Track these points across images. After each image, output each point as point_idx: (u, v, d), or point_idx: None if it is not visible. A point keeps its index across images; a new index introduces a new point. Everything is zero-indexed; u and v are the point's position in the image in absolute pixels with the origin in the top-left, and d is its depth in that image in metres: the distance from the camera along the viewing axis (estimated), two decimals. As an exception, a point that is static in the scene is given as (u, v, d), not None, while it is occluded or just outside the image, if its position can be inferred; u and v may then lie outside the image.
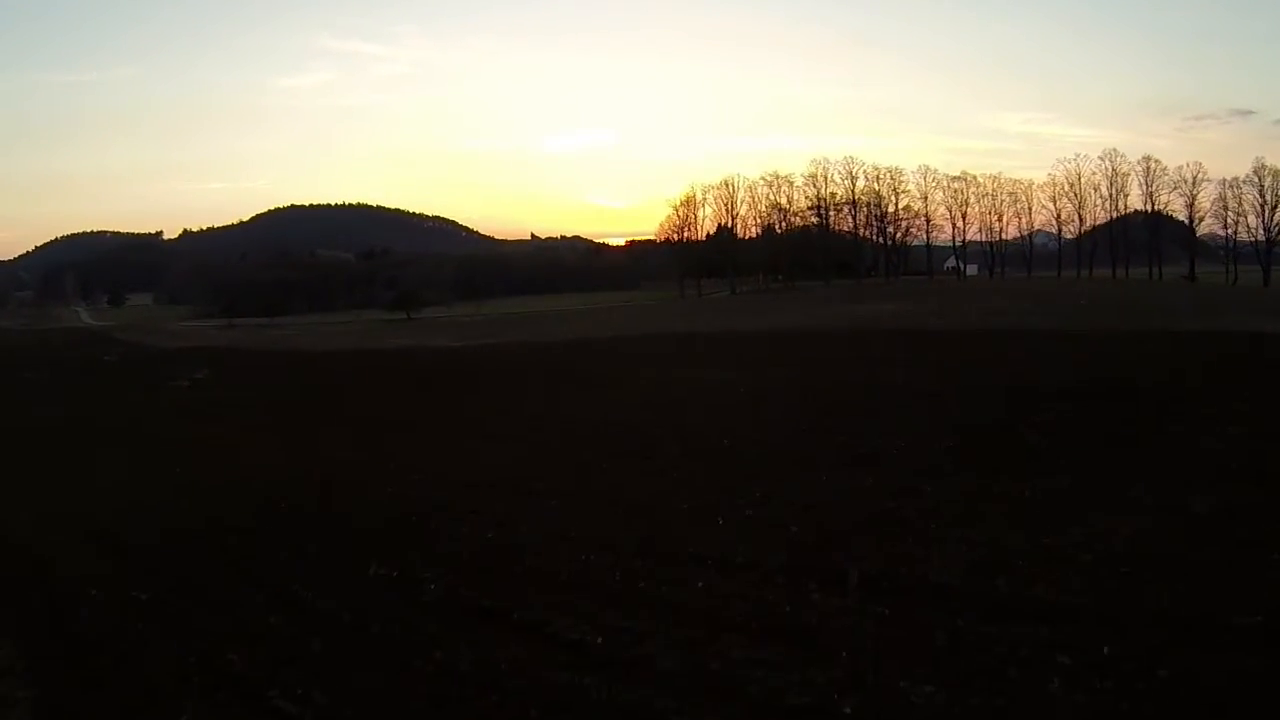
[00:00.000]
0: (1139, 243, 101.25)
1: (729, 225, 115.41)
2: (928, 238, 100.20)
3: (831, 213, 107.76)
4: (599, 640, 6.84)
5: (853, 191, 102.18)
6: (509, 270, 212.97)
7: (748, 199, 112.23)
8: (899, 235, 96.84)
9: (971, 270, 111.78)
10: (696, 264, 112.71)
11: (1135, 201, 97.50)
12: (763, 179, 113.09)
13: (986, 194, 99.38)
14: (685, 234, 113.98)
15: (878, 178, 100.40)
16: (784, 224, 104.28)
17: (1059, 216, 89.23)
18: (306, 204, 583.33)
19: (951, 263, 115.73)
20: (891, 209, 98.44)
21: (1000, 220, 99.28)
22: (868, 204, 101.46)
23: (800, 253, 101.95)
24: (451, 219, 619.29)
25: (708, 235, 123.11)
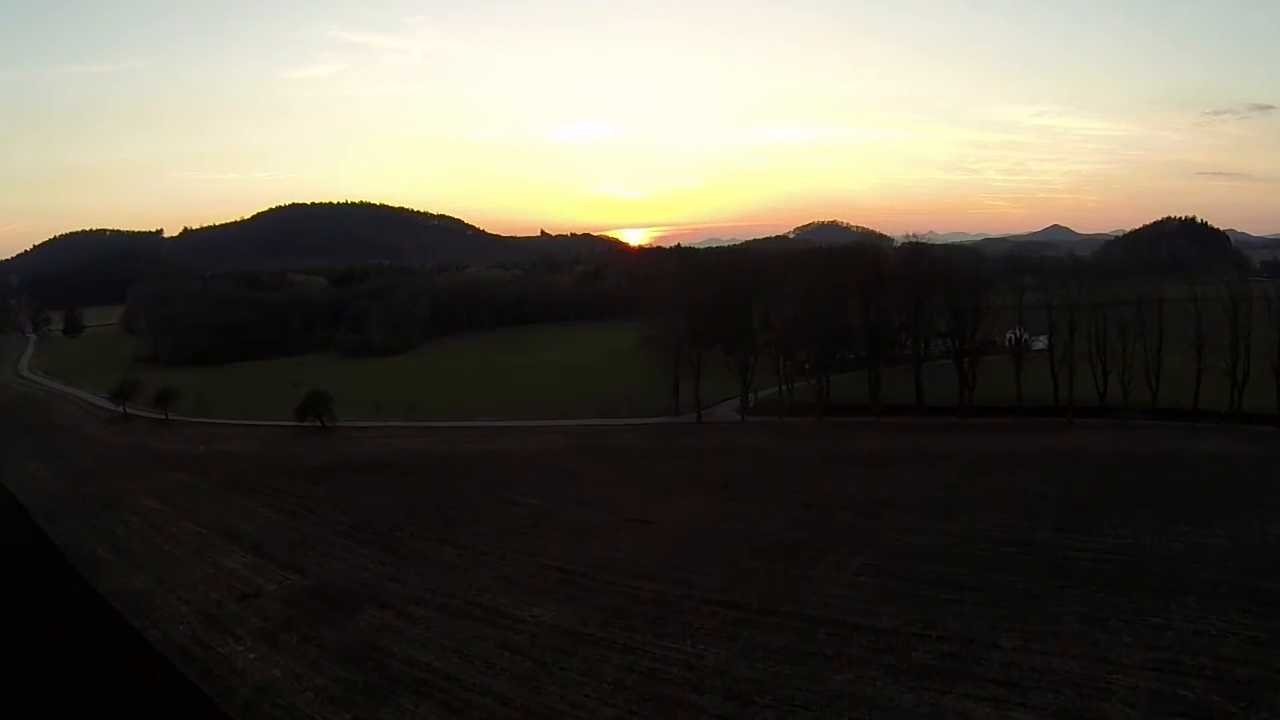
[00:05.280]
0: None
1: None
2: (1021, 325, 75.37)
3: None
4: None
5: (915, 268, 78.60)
6: (496, 299, 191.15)
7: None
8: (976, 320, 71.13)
9: (1039, 343, 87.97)
10: (700, 331, 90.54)
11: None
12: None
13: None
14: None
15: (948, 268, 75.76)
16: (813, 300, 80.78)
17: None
18: (308, 202, 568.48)
19: (1015, 332, 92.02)
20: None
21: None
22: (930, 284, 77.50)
23: (835, 340, 78.92)
24: (457, 217, 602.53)
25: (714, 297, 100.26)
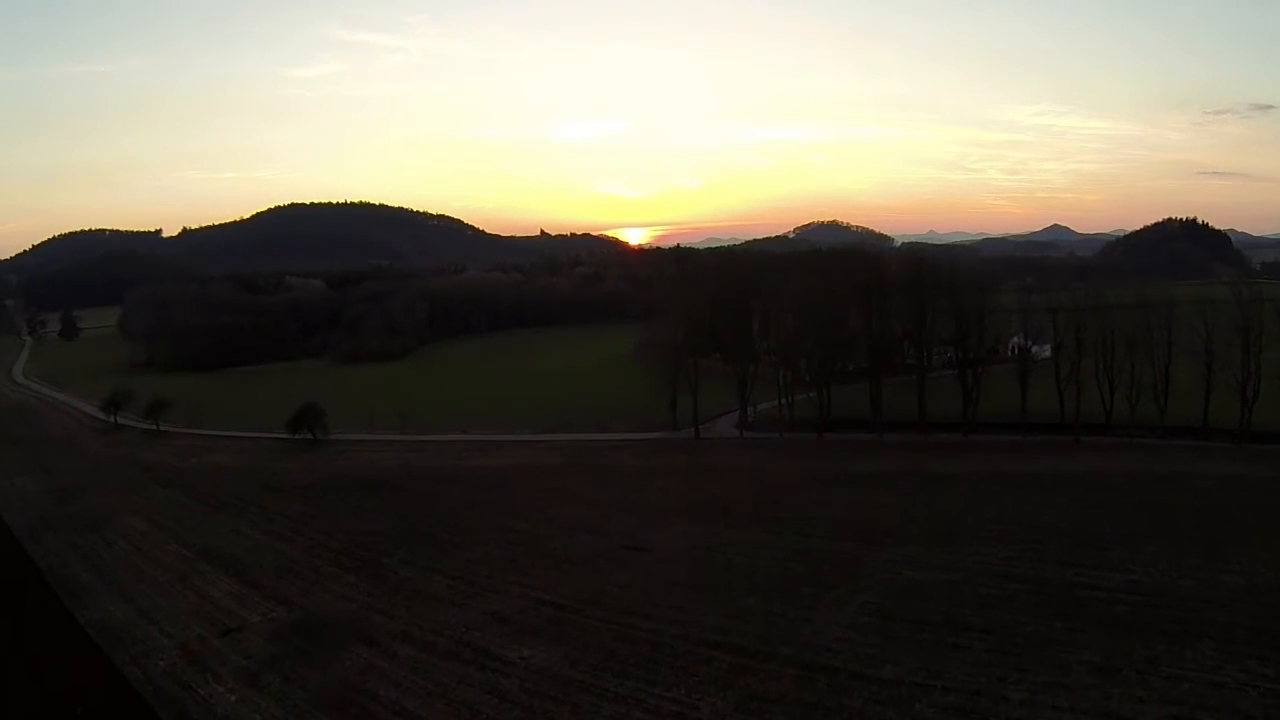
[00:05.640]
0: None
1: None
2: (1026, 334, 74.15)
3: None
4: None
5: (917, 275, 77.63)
6: (495, 302, 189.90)
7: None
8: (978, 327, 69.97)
9: (1043, 351, 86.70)
10: (699, 340, 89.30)
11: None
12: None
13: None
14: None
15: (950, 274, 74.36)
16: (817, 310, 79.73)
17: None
18: (308, 202, 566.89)
19: (1018, 341, 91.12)
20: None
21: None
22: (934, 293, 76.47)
23: (836, 352, 77.59)
24: (457, 217, 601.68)
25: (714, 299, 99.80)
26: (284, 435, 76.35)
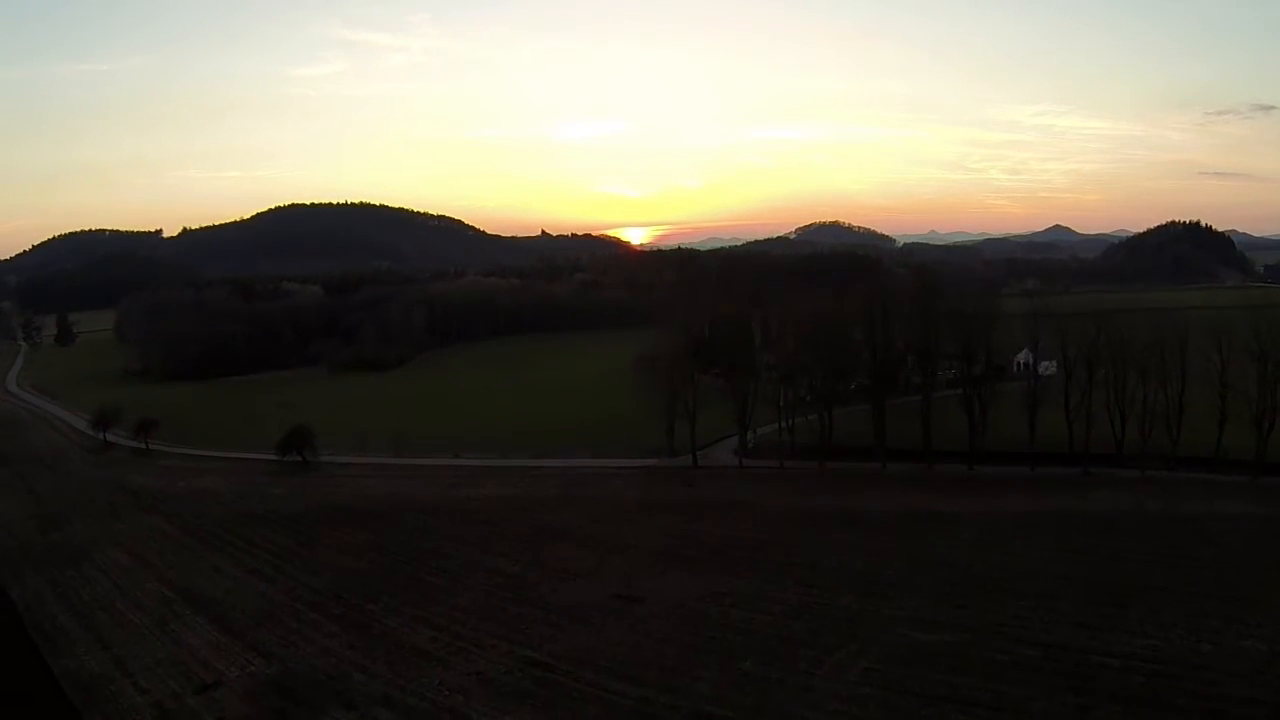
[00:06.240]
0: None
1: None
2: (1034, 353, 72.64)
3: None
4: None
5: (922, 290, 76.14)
6: (493, 309, 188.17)
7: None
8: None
9: (1050, 366, 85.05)
10: (698, 358, 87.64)
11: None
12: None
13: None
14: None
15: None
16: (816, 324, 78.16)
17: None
18: (308, 203, 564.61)
19: (1023, 357, 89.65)
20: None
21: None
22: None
23: (838, 374, 75.67)
24: (458, 218, 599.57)
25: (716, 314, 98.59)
26: (274, 457, 74.85)
